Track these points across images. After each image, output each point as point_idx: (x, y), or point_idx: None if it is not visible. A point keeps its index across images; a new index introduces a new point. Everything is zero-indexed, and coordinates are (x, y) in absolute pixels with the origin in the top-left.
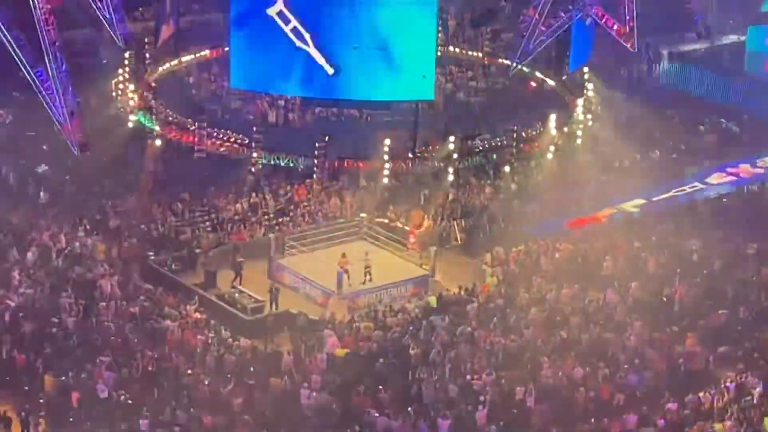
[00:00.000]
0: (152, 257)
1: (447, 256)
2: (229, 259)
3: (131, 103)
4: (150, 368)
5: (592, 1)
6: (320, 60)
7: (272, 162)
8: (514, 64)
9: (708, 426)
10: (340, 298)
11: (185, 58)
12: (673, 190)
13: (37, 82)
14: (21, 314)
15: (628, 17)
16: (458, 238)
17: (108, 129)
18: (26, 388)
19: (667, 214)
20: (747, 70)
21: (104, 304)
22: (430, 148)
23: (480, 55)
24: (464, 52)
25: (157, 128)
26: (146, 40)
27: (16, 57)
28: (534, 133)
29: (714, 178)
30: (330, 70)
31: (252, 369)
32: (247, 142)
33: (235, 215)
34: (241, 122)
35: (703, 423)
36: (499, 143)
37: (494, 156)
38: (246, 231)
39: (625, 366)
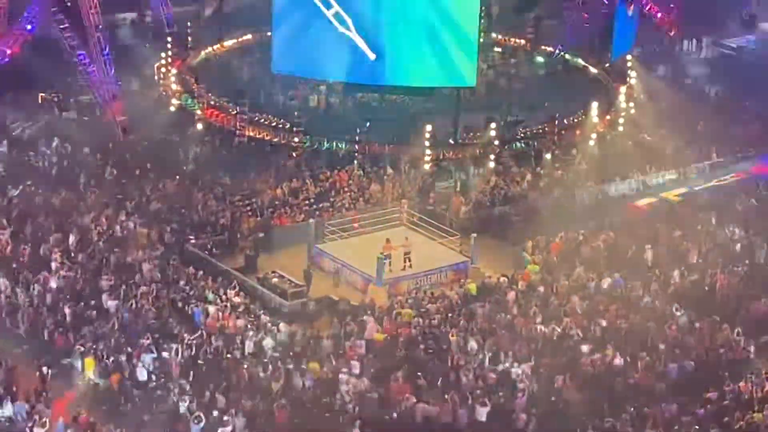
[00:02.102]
0: (193, 241)
1: (487, 243)
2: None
3: (173, 86)
4: (189, 352)
5: None
6: (362, 45)
7: (313, 147)
8: (557, 51)
9: (748, 416)
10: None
11: (227, 43)
12: (716, 179)
13: (81, 65)
14: (62, 297)
15: (671, 6)
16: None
17: (150, 112)
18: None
19: (710, 203)
20: None
21: (144, 287)
22: (472, 134)
23: (523, 41)
24: (507, 38)
25: (198, 112)
26: (189, 24)
27: (60, 40)
28: (576, 120)
29: (757, 167)
30: (372, 56)
31: (291, 354)
32: (288, 126)
33: (275, 200)
34: (282, 107)
35: (743, 413)
36: (541, 130)
37: (536, 143)
38: (287, 216)
39: (661, 356)
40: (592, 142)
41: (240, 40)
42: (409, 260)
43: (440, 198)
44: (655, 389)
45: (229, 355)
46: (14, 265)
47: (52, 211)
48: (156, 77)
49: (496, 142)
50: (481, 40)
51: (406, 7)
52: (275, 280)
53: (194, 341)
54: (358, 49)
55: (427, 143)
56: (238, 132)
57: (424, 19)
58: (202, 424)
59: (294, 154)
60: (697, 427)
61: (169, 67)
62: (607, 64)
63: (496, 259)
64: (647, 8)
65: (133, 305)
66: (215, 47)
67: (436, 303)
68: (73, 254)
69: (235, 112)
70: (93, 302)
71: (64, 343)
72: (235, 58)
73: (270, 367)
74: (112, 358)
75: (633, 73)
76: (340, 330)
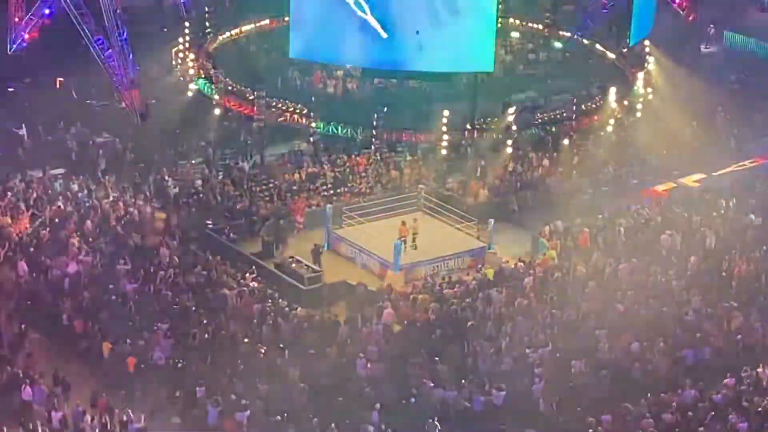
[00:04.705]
0: (210, 226)
1: (504, 228)
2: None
3: (191, 71)
4: (207, 336)
5: None
6: (373, 23)
7: (330, 132)
8: (575, 36)
9: (765, 401)
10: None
11: (245, 28)
12: (734, 165)
13: (98, 50)
14: (80, 281)
15: None
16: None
17: (168, 97)
18: (85, 354)
19: (728, 189)
20: None
21: (162, 272)
22: (489, 119)
23: (540, 26)
24: (524, 23)
25: (216, 97)
26: (207, 8)
27: (77, 25)
28: (593, 106)
29: None
30: (383, 34)
31: (308, 338)
32: (305, 111)
33: (293, 185)
34: (299, 92)
35: (761, 398)
36: (559, 115)
37: (553, 128)
38: (304, 201)
39: (679, 342)
40: (609, 128)
41: (258, 25)
42: (415, 241)
43: (458, 183)
44: (672, 375)
45: (246, 340)
46: (33, 249)
47: (71, 196)
48: (174, 62)
49: (514, 128)
50: (499, 25)
51: None
52: (292, 265)
53: (212, 325)
54: (376, 34)
55: (444, 128)
56: (256, 117)
57: (442, 3)
58: (219, 408)
59: (311, 140)
60: (714, 412)
61: (187, 52)
62: (625, 50)
63: (513, 245)
64: None
65: (151, 289)
66: (233, 32)
67: (453, 288)
68: (91, 239)
69: (253, 97)
70: (111, 286)
71: (83, 328)
72: (252, 43)
73: (287, 351)
74: (129, 342)
75: (651, 59)
76: (357, 315)
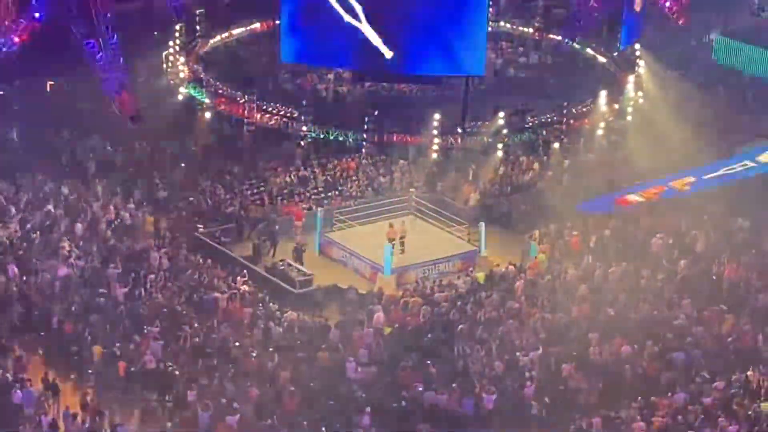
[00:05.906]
0: (201, 229)
1: (495, 231)
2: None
3: (181, 75)
4: (197, 340)
5: None
6: (377, 42)
7: (321, 136)
8: (566, 40)
9: (755, 405)
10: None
11: (236, 31)
12: (724, 168)
13: (89, 53)
14: (70, 284)
15: None
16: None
17: (158, 101)
18: (75, 357)
19: (718, 192)
20: None
21: (153, 276)
22: (480, 123)
23: (531, 30)
24: (515, 27)
25: (207, 101)
26: (197, 12)
27: (68, 29)
28: (584, 109)
29: (765, 156)
30: (388, 54)
31: (299, 342)
32: (296, 115)
33: (283, 188)
34: (290, 96)
35: (751, 402)
36: (549, 119)
37: (544, 132)
38: (296, 204)
39: (669, 345)
40: (600, 131)
41: (248, 28)
42: (403, 245)
43: (449, 187)
44: (662, 378)
45: (237, 343)
46: (23, 253)
47: (61, 200)
48: (164, 66)
49: (504, 131)
50: (490, 29)
51: None
52: (283, 268)
53: (203, 329)
54: (366, 37)
55: (435, 132)
56: (247, 121)
57: (432, 7)
58: (210, 412)
59: (302, 143)
60: (704, 416)
61: (178, 56)
62: (616, 53)
63: (504, 248)
64: None
65: (142, 293)
66: (224, 36)
67: (444, 292)
68: (81, 242)
69: (244, 101)
70: (101, 290)
71: (73, 331)
72: (243, 46)
73: (278, 355)
74: (119, 346)
75: (641, 63)
76: (348, 318)
